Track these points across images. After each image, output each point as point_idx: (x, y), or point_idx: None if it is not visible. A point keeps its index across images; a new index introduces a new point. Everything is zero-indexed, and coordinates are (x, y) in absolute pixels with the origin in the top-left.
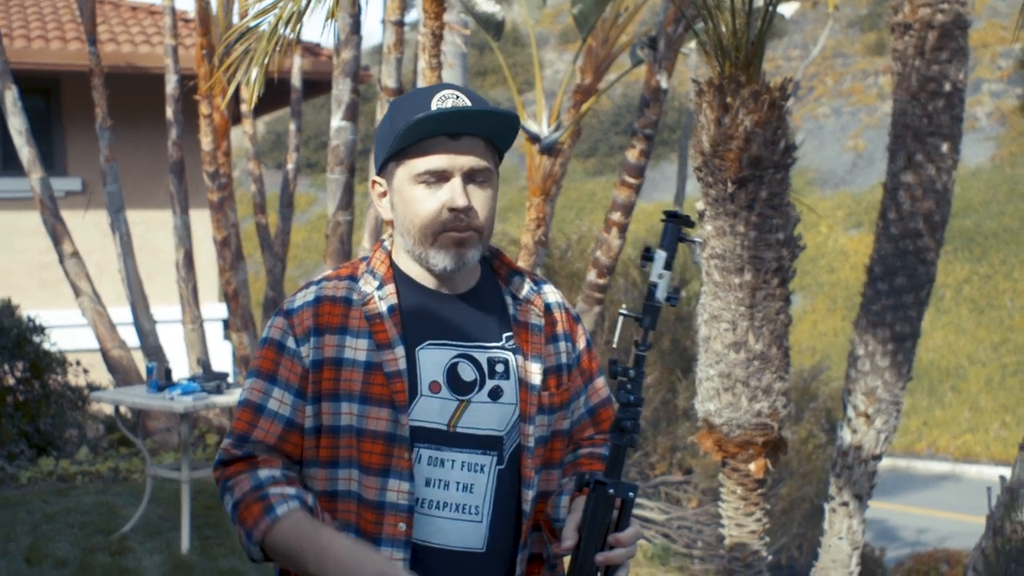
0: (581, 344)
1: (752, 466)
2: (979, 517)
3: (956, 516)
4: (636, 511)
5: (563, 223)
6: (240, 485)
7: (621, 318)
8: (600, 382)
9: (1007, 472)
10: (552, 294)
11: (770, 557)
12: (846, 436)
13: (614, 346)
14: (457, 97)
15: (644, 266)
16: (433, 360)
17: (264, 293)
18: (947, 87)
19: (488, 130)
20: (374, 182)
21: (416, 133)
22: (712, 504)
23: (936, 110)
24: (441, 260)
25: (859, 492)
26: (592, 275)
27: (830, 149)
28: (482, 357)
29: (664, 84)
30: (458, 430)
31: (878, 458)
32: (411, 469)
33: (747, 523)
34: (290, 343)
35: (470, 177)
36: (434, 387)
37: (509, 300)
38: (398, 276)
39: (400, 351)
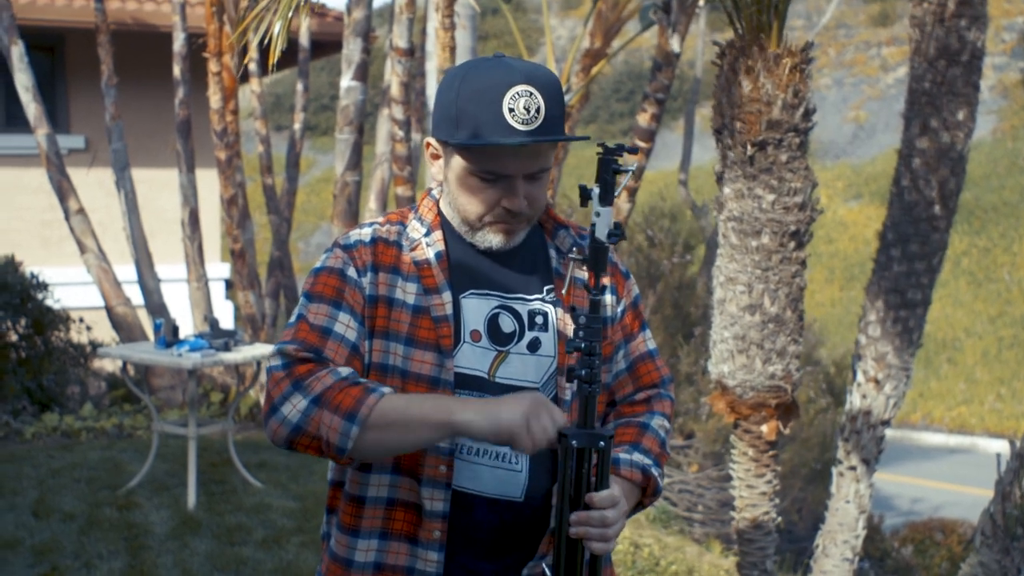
0: (627, 299)
1: (764, 428)
2: (972, 488)
3: (950, 487)
4: None
5: (563, 188)
6: (321, 380)
7: (572, 263)
8: (642, 337)
9: (1002, 444)
10: None
11: (779, 519)
12: (855, 401)
13: (563, 292)
14: (530, 95)
15: (584, 206)
16: (475, 309)
17: (270, 253)
18: (965, 54)
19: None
20: (428, 143)
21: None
22: (713, 468)
23: (953, 77)
24: (488, 241)
25: (867, 457)
26: None
27: (831, 120)
28: (522, 309)
29: (677, 48)
30: (497, 380)
31: (887, 423)
32: None
33: (758, 484)
34: (351, 272)
35: (529, 176)
36: (475, 336)
37: (553, 253)
38: (444, 225)
39: (448, 296)
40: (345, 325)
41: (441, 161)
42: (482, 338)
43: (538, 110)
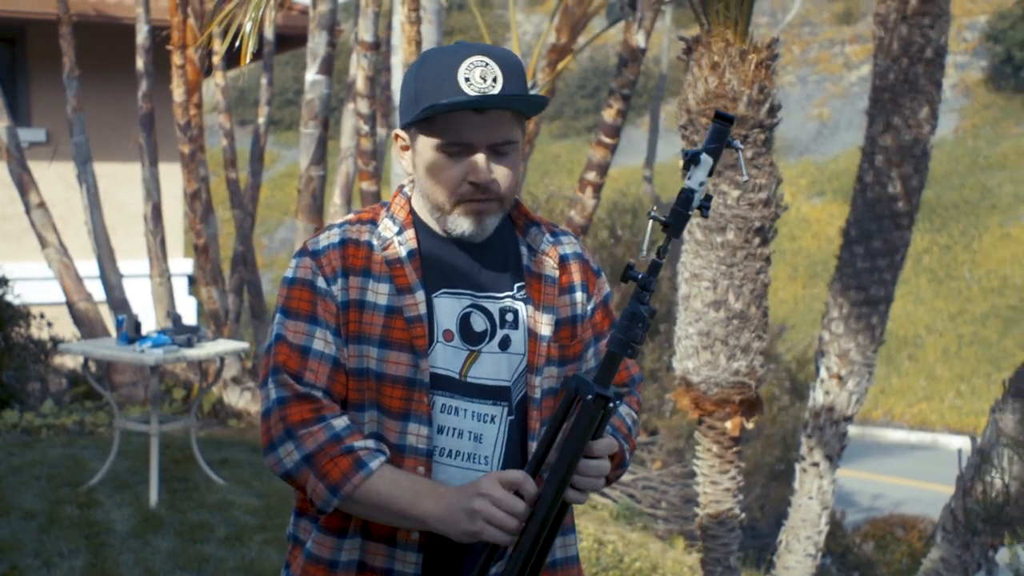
0: (598, 297)
1: (728, 424)
2: (933, 484)
3: (910, 483)
4: None
5: (528, 184)
6: (314, 436)
7: (650, 221)
8: None
9: (962, 440)
10: (571, 245)
11: (743, 515)
12: (818, 397)
13: (643, 254)
14: (486, 65)
15: (686, 170)
16: (448, 309)
17: (233, 248)
18: (928, 52)
19: (515, 106)
20: (396, 135)
21: (441, 109)
22: (677, 465)
23: (916, 74)
24: (460, 226)
25: (830, 453)
26: None
27: (795, 117)
28: (493, 307)
29: (643, 44)
30: (469, 379)
31: (850, 419)
32: (430, 414)
33: (722, 481)
34: (320, 283)
35: (494, 149)
36: (447, 336)
37: (524, 250)
38: (417, 223)
39: (421, 295)
40: (323, 341)
41: (410, 152)
42: (454, 337)
43: (495, 79)
